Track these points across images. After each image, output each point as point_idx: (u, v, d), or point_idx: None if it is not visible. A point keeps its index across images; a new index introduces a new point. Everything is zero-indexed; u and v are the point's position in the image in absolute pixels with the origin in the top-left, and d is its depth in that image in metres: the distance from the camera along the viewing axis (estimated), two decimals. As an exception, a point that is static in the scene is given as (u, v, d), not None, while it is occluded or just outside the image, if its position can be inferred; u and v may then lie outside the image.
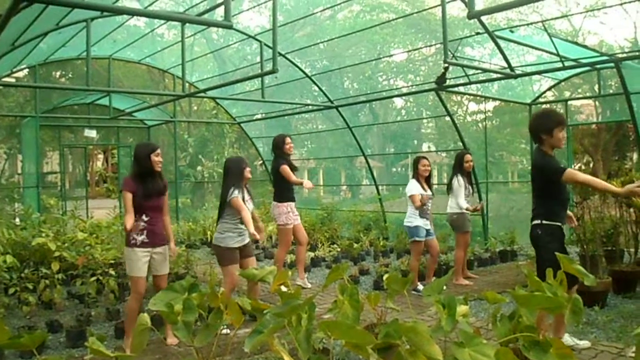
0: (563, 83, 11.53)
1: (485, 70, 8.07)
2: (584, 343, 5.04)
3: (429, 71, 24.94)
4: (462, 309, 3.56)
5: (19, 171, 18.12)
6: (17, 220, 11.22)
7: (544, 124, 4.80)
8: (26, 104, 17.96)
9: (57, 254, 7.19)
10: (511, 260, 9.42)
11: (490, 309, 3.88)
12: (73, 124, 16.47)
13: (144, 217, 5.29)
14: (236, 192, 5.94)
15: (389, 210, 12.50)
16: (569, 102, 12.00)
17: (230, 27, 5.27)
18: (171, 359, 5.15)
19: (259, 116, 15.02)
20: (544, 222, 4.86)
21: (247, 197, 6.12)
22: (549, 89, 10.90)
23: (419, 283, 7.49)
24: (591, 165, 20.28)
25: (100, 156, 32.94)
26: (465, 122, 25.83)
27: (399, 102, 30.05)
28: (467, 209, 7.85)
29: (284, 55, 10.84)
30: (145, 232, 5.28)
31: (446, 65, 7.74)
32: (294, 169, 7.90)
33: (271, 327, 3.07)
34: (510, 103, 12.99)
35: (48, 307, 6.95)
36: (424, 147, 29.43)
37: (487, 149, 11.89)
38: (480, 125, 23.59)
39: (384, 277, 4.24)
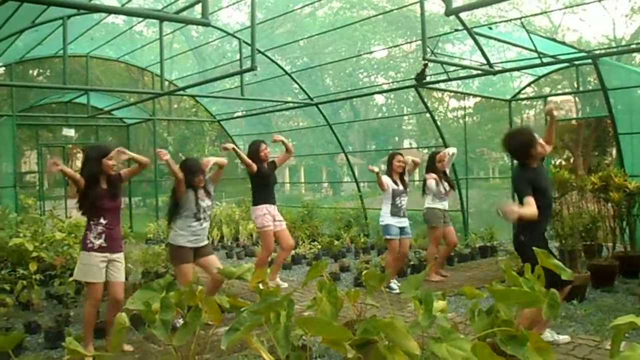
0: (543, 79, 11.63)
1: (464, 67, 8.12)
2: (564, 338, 5.07)
3: (409, 68, 24.98)
4: (439, 304, 3.58)
5: (-3, 171, 17.83)
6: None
7: (528, 140, 4.88)
8: (2, 102, 17.75)
9: (34, 254, 7.10)
10: (491, 255, 9.49)
11: (470, 305, 3.91)
12: (51, 123, 16.29)
13: (102, 220, 5.12)
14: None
15: (369, 207, 12.51)
16: (549, 98, 12.09)
17: (207, 25, 5.26)
18: (151, 358, 5.11)
19: (239, 114, 14.94)
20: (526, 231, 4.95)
21: (203, 194, 6.04)
22: (528, 85, 10.98)
23: (393, 280, 7.47)
24: (571, 160, 20.46)
25: (80, 155, 32.76)
26: (446, 118, 25.94)
27: (379, 99, 30.12)
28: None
29: (263, 53, 10.80)
30: (103, 235, 5.11)
31: (425, 62, 7.78)
32: (265, 175, 7.74)
33: (248, 325, 3.06)
34: (491, 99, 13.04)
35: (26, 308, 6.86)
36: (405, 144, 29.53)
37: (466, 145, 11.95)
38: (460, 121, 23.72)
39: (363, 274, 4.25)
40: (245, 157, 7.50)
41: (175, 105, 22.04)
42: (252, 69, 7.30)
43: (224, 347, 3.01)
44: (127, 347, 5.34)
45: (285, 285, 7.79)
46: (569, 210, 6.84)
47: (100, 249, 5.09)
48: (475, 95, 12.51)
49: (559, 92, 17.50)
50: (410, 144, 29.15)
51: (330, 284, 4.00)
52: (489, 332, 3.60)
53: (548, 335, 5.05)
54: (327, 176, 30.45)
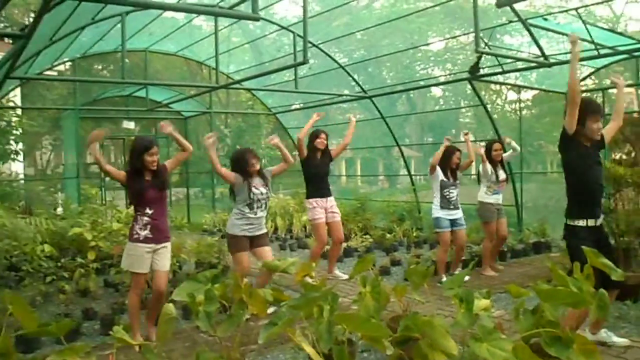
0: (603, 70, 11.24)
1: (517, 59, 7.94)
2: (622, 340, 4.87)
3: (466, 60, 24.46)
4: (482, 302, 3.54)
5: (64, 162, 18.55)
6: (60, 209, 11.52)
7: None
8: (69, 96, 18.36)
9: (93, 243, 7.36)
10: (545, 252, 9.25)
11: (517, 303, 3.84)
12: (113, 116, 16.72)
13: (147, 211, 5.21)
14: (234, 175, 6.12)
15: (424, 200, 12.39)
16: (610, 90, 11.69)
17: (257, 20, 5.33)
18: (200, 347, 5.20)
19: (297, 106, 15.01)
20: (567, 221, 4.77)
21: (259, 182, 6.16)
22: (587, 76, 10.67)
23: (443, 275, 7.43)
24: (632, 155, 19.70)
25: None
26: (504, 111, 25.41)
27: (437, 91, 29.76)
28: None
29: (317, 46, 10.84)
30: (148, 227, 5.20)
31: (479, 54, 7.68)
32: (314, 165, 7.72)
33: (286, 320, 3.10)
34: (549, 92, 12.70)
35: (84, 295, 7.11)
36: (463, 137, 29.06)
37: (521, 138, 11.71)
38: (517, 114, 23.24)
39: (407, 270, 4.25)
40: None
41: (235, 98, 22.32)
42: (304, 62, 7.32)
43: (261, 341, 3.07)
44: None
45: (345, 277, 7.74)
46: (624, 206, 6.61)
47: (146, 240, 5.20)
48: (530, 88, 12.21)
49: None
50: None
51: (374, 279, 4.01)
52: (533, 333, 3.54)
53: (604, 335, 4.89)
54: (383, 169, 30.30)
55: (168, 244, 5.45)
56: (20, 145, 13.48)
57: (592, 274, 3.87)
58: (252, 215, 6.07)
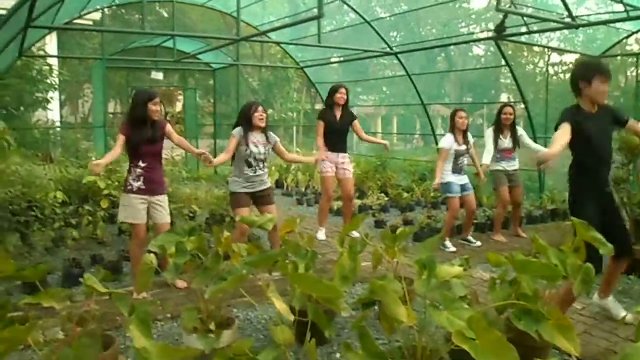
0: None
1: (542, 19, 7.60)
2: (628, 316, 4.63)
3: (508, 19, 23.73)
4: (454, 269, 3.45)
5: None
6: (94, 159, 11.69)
7: (583, 72, 4.31)
8: (106, 45, 18.50)
9: (106, 192, 7.47)
10: (563, 219, 8.98)
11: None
12: (140, 66, 16.62)
13: (141, 163, 5.25)
14: (235, 131, 5.97)
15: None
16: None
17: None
18: (193, 296, 5.21)
19: (334, 59, 14.70)
20: (570, 186, 4.57)
21: (260, 140, 6.03)
22: (617, 42, 10.19)
23: (447, 239, 7.30)
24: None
25: (181, 97, 33.60)
26: (542, 72, 24.62)
27: (478, 51, 28.99)
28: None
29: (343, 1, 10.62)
30: (142, 178, 5.25)
31: (505, 13, 7.43)
32: (330, 122, 7.66)
33: (234, 277, 3.07)
34: (583, 55, 12.23)
35: (99, 242, 7.26)
36: (503, 98, 28.29)
37: (547, 101, 11.36)
38: (561, 76, 22.46)
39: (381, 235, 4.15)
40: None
41: (271, 51, 22.16)
42: (319, 16, 7.12)
43: (207, 296, 3.06)
44: (181, 284, 5.50)
45: (356, 235, 7.65)
46: (638, 178, 6.34)
47: (139, 191, 5.24)
48: (557, 50, 11.80)
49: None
50: (509, 98, 27.89)
51: (352, 240, 3.95)
52: (506, 304, 3.45)
53: (612, 305, 4.74)
54: (420, 127, 29.87)
55: (163, 197, 5.46)
56: (53, 94, 13.63)
57: (583, 247, 3.74)
58: (252, 174, 5.98)
